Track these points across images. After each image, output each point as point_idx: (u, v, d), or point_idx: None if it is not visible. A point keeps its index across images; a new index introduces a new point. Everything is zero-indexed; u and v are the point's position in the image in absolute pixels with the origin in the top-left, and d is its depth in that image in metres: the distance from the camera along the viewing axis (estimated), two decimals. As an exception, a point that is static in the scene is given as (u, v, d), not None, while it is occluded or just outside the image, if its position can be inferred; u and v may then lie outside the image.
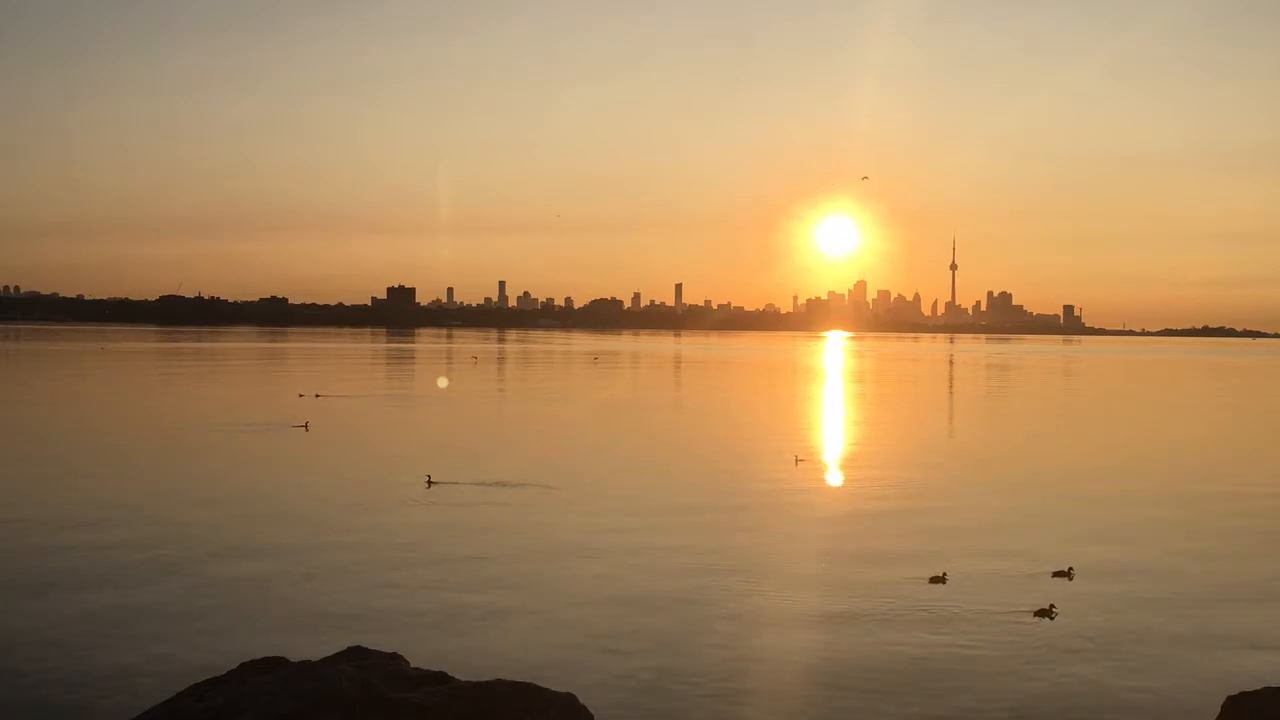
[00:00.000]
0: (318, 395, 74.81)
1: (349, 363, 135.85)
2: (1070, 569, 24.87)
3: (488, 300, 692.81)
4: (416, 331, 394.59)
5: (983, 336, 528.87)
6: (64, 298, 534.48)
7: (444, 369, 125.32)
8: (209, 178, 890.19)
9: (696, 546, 27.44)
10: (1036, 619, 21.31)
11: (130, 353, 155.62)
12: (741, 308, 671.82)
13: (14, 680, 16.99)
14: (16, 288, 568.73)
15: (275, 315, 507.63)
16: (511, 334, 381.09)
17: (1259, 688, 13.91)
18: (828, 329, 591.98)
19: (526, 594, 22.56)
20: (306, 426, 54.20)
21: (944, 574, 24.35)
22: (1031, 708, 16.60)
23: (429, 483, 36.60)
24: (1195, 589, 24.01)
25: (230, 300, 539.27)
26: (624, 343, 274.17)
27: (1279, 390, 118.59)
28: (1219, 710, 13.87)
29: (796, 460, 44.01)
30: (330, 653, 13.77)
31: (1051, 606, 21.88)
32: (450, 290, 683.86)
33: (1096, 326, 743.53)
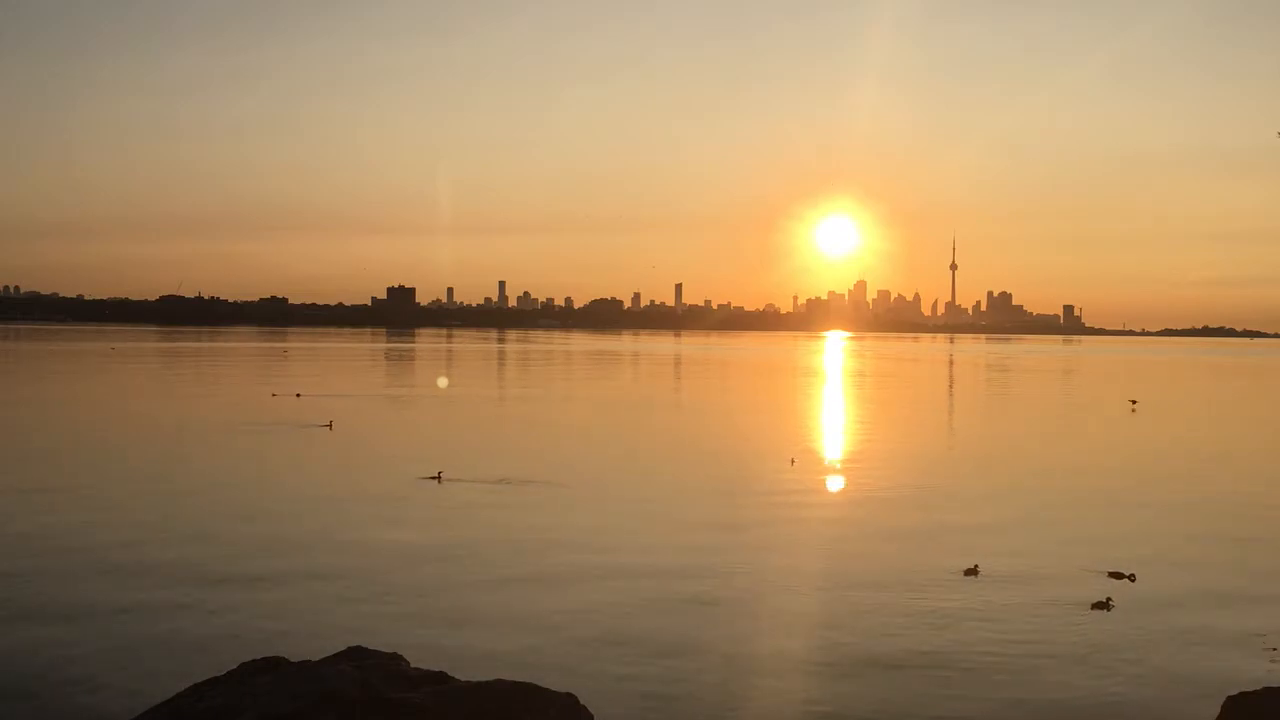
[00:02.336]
0: (298, 395, 73.42)
1: (340, 362, 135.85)
2: (1132, 574, 24.21)
3: (488, 300, 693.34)
4: (416, 331, 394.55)
5: (983, 336, 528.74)
6: (64, 298, 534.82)
7: (423, 369, 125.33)
8: (209, 178, 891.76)
9: (702, 544, 27.40)
10: (1094, 610, 21.54)
11: (140, 353, 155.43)
12: (741, 308, 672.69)
13: (13, 680, 16.99)
14: (16, 288, 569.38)
15: (275, 315, 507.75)
16: (512, 334, 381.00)
17: (1259, 688, 13.91)
18: (828, 329, 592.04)
19: (527, 593, 22.54)
20: (331, 426, 54.22)
21: (975, 566, 24.55)
22: (1018, 704, 16.58)
23: (439, 478, 36.82)
24: (1209, 587, 23.94)
25: (230, 300, 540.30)
26: (624, 343, 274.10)
27: None
28: (1219, 710, 13.87)
29: (792, 461, 44.01)
30: (330, 653, 13.76)
31: (1109, 599, 22.00)
32: (450, 290, 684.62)
33: (1096, 326, 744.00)
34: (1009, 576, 24.34)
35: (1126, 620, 21.12)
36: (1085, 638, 20.00)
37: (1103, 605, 21.84)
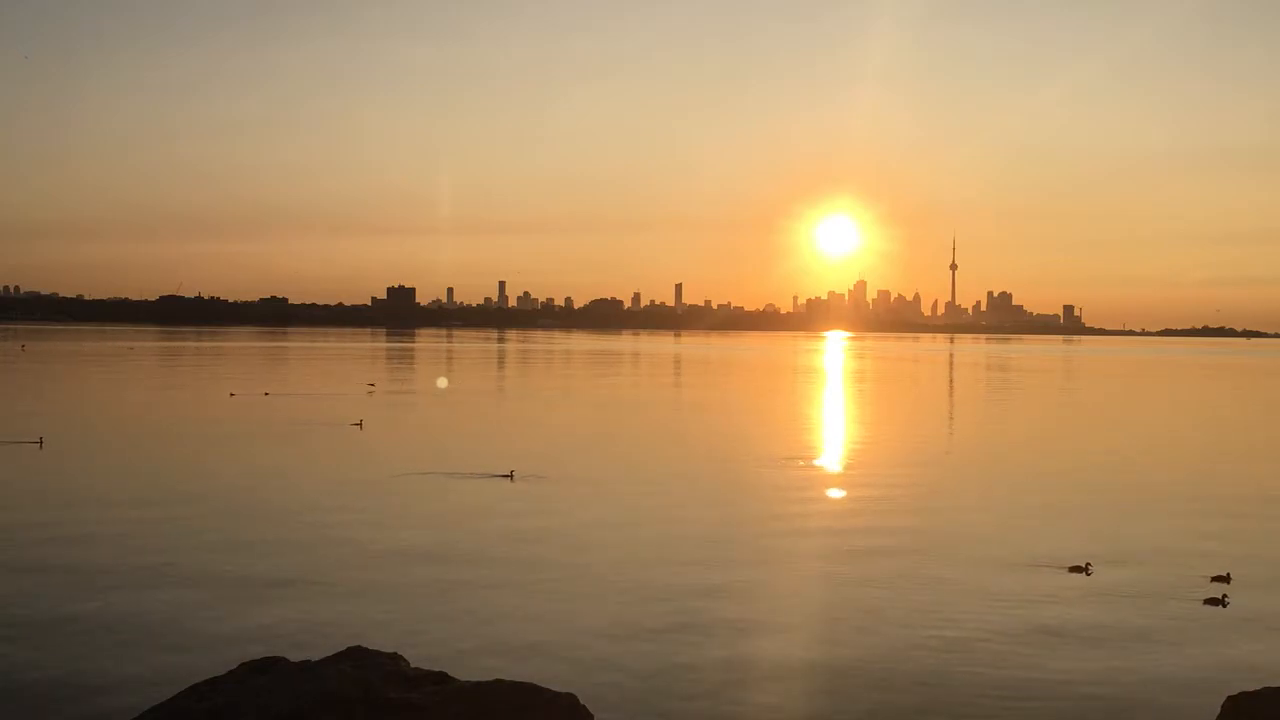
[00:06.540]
0: (266, 393, 73.10)
1: (333, 361, 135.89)
2: (1228, 574, 23.75)
3: (488, 300, 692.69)
4: (417, 331, 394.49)
5: (983, 337, 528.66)
6: (64, 298, 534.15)
7: (422, 369, 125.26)
8: (209, 178, 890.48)
9: (705, 545, 27.39)
10: (1207, 606, 21.71)
11: (159, 352, 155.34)
12: (741, 308, 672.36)
13: (14, 680, 16.98)
14: (16, 288, 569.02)
15: (275, 315, 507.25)
16: (512, 334, 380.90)
17: (1259, 688, 13.90)
18: (828, 329, 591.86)
19: (527, 593, 22.52)
20: (361, 425, 54.14)
21: (1088, 564, 24.64)
22: (1019, 702, 16.56)
23: (511, 476, 36.90)
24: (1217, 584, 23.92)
25: (230, 300, 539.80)
26: (624, 343, 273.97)
27: None
28: (1219, 710, 13.86)
29: (791, 461, 44.05)
30: (330, 653, 13.75)
31: (1224, 596, 22.02)
32: (450, 290, 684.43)
33: (1096, 326, 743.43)
34: (1111, 576, 24.35)
35: (1078, 617, 21.12)
36: (1031, 631, 19.98)
37: (1216, 602, 21.85)
